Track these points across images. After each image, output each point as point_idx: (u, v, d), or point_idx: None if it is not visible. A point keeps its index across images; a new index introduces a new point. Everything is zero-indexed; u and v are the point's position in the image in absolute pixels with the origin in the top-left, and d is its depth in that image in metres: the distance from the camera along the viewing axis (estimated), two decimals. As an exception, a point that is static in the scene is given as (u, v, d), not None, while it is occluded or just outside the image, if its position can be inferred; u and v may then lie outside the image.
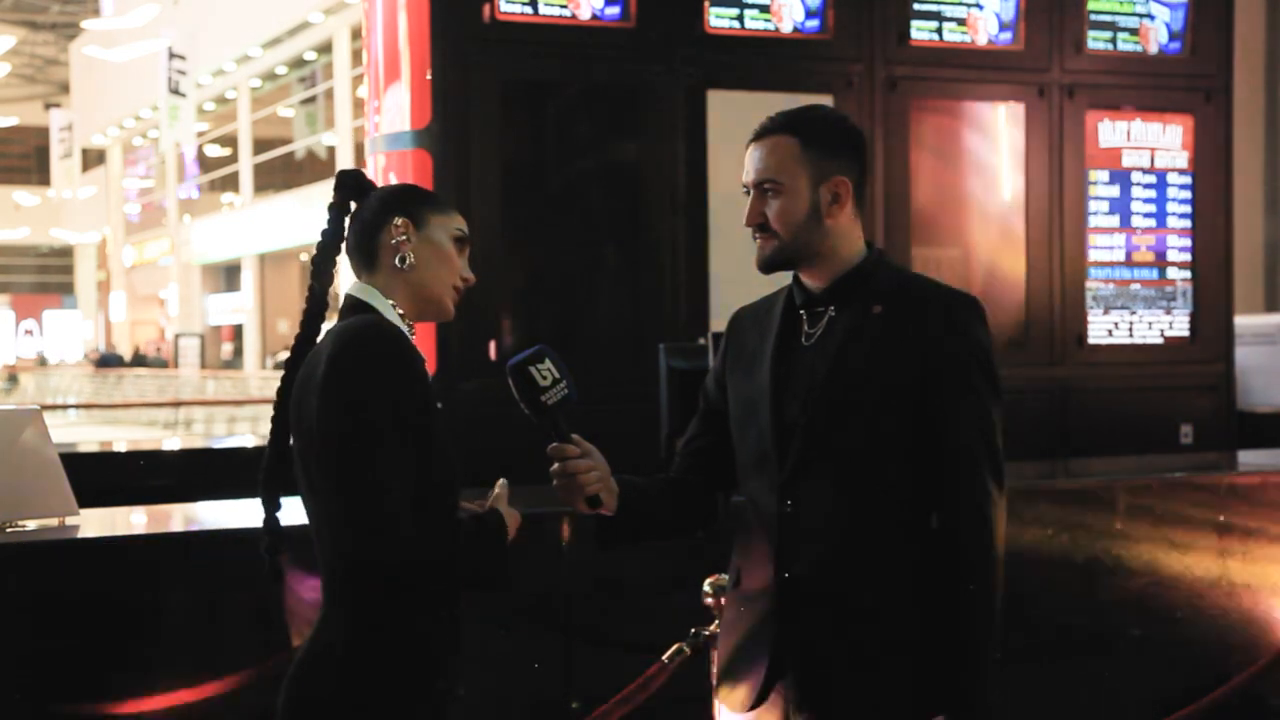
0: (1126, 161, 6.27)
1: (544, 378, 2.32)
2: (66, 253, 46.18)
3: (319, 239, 2.39)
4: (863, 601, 2.38)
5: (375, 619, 2.22)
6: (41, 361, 35.28)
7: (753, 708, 2.45)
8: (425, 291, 2.33)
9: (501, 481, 2.35)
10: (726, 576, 2.63)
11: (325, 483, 2.19)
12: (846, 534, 2.39)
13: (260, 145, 30.24)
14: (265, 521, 2.37)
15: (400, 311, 2.31)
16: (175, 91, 28.43)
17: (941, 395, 2.37)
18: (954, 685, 2.33)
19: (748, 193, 2.47)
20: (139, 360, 32.49)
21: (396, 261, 2.31)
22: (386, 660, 2.21)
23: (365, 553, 2.14)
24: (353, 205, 2.41)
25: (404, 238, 2.31)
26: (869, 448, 2.39)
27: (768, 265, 2.48)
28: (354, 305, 2.31)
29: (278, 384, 2.35)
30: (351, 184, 2.41)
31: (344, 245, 2.39)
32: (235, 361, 32.07)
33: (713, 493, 2.62)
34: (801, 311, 2.48)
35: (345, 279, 2.43)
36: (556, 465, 2.37)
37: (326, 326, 2.36)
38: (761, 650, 2.44)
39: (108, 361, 32.38)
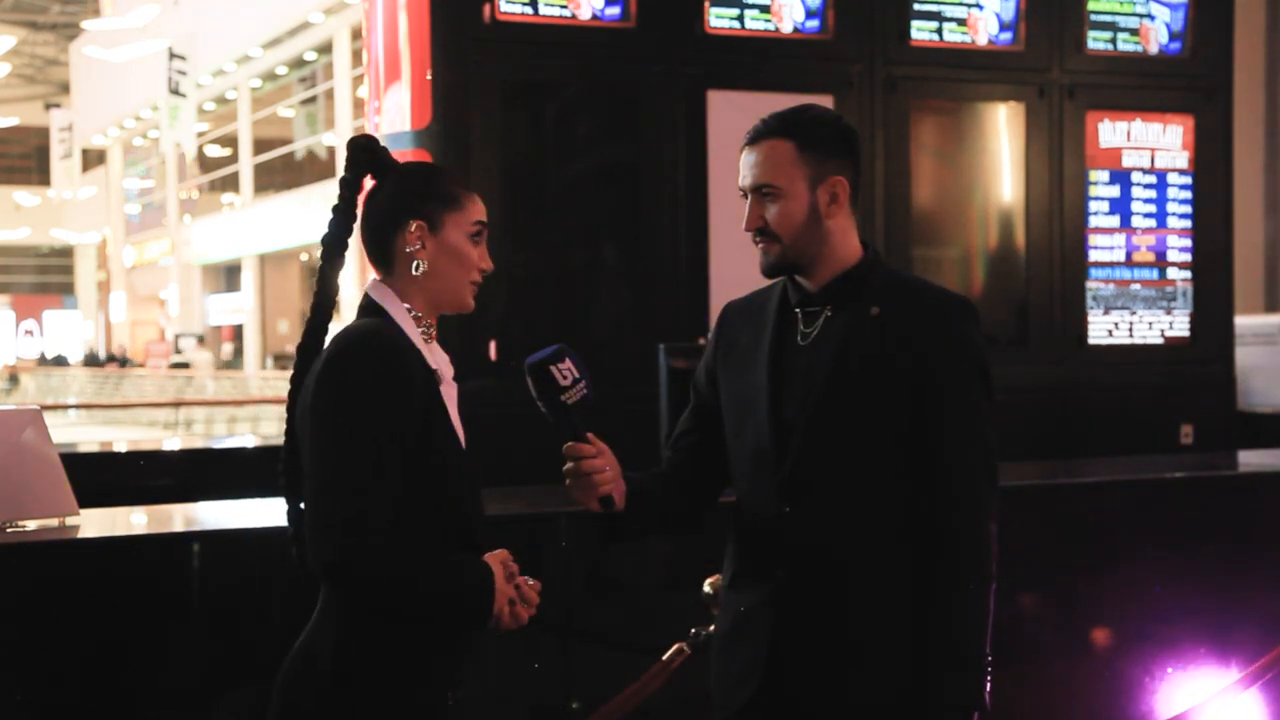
0: (1126, 162, 6.26)
1: (565, 377, 2.32)
2: (67, 253, 46.19)
3: (326, 229, 2.32)
4: (859, 601, 2.39)
5: (362, 626, 2.19)
6: (56, 361, 35.32)
7: (748, 708, 2.45)
8: (442, 295, 2.30)
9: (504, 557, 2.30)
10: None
11: (310, 484, 2.17)
12: (844, 533, 2.40)
13: (260, 145, 30.26)
14: (289, 516, 2.33)
15: (417, 314, 2.29)
16: (175, 91, 28.44)
17: (938, 398, 2.38)
18: (950, 686, 2.33)
19: (745, 196, 2.47)
20: (91, 360, 32.62)
21: (412, 269, 2.27)
22: (371, 670, 2.19)
23: (333, 554, 2.10)
24: (367, 182, 2.33)
25: (419, 245, 2.27)
26: (867, 449, 2.40)
27: (772, 270, 2.48)
28: (367, 307, 2.29)
29: (288, 386, 2.33)
30: (365, 160, 2.32)
31: (358, 228, 2.32)
32: (235, 361, 32.06)
33: (707, 487, 2.62)
34: (797, 310, 2.48)
35: (346, 276, 2.41)
36: (571, 465, 2.36)
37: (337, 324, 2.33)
38: (757, 649, 2.43)
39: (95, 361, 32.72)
